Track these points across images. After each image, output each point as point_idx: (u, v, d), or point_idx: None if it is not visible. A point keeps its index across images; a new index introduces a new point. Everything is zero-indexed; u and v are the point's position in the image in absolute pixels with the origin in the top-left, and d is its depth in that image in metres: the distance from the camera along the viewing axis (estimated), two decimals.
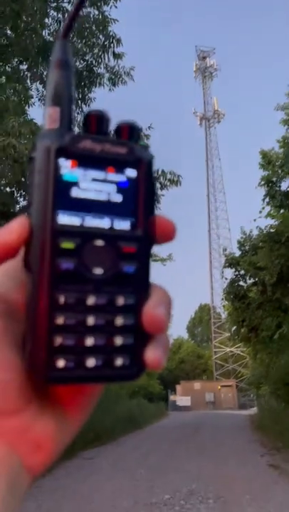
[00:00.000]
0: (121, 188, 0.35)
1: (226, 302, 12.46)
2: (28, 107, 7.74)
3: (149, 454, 7.82)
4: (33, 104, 7.97)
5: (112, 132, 0.36)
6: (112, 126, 0.36)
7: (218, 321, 40.42)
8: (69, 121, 0.35)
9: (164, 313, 0.33)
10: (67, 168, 0.33)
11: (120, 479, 5.67)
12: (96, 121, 0.35)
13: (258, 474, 5.96)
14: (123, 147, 0.35)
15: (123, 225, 0.34)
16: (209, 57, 49.61)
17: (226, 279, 11.76)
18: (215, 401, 33.27)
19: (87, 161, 0.34)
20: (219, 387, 33.92)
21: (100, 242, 0.33)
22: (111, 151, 0.34)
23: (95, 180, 0.34)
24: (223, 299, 13.16)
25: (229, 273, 11.50)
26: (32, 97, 7.76)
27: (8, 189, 7.42)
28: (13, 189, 7.36)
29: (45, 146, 0.33)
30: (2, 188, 7.25)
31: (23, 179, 6.89)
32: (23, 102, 7.40)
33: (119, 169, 0.35)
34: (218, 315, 40.78)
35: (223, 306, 16.13)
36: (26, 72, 7.74)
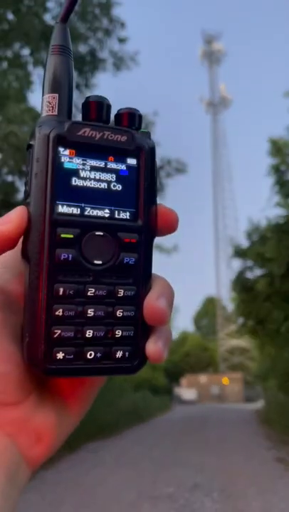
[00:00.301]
0: (121, 177, 0.34)
1: (234, 294, 12.35)
2: (30, 93, 7.62)
3: (153, 447, 7.77)
4: (35, 90, 7.85)
5: (113, 119, 0.35)
6: (112, 113, 0.35)
7: (224, 313, 40.34)
8: (68, 108, 0.34)
9: (165, 306, 0.33)
10: (66, 156, 0.32)
11: (124, 472, 5.64)
12: (96, 108, 0.34)
13: (263, 468, 5.91)
14: (123, 135, 0.34)
15: (123, 215, 0.34)
16: (216, 41, 48.88)
17: (233, 270, 11.69)
18: (221, 394, 33.28)
19: (86, 149, 0.33)
20: (226, 380, 33.90)
21: (99, 233, 0.33)
22: (111, 139, 0.34)
23: (94, 168, 0.33)
24: (231, 291, 13.05)
25: (236, 264, 11.39)
26: (34, 83, 7.62)
27: (10, 178, 7.34)
28: (15, 178, 7.27)
29: (44, 133, 0.32)
30: (3, 176, 7.16)
31: (24, 168, 6.79)
32: (26, 88, 7.27)
33: (120, 158, 0.34)
34: (224, 307, 40.71)
35: (231, 298, 16.04)
36: (28, 58, 7.61)
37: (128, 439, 8.81)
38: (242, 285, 10.88)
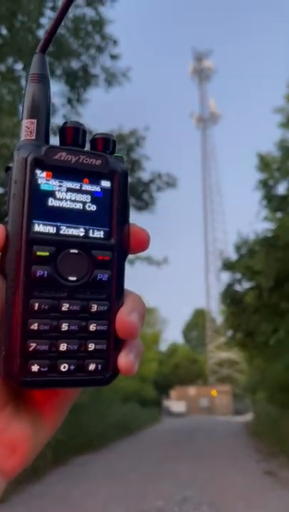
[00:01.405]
0: (95, 198, 0.36)
1: (223, 306, 12.40)
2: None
3: (142, 460, 7.73)
4: None
5: (88, 144, 0.37)
6: (88, 138, 0.37)
7: (213, 325, 40.35)
8: (46, 133, 0.36)
9: (136, 320, 0.34)
10: (43, 178, 0.34)
11: (112, 486, 5.60)
12: (72, 133, 0.36)
13: (253, 481, 5.90)
14: (98, 159, 0.36)
15: (98, 234, 0.35)
16: (206, 58, 49.64)
17: (222, 283, 11.73)
18: (210, 407, 33.13)
19: (62, 172, 0.35)
20: (214, 392, 33.78)
21: (74, 251, 0.34)
22: (86, 162, 0.35)
23: (70, 190, 0.35)
24: (220, 303, 13.10)
25: (225, 277, 11.45)
26: None
27: (1, 190, 7.35)
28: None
29: (22, 156, 0.33)
30: None
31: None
32: (18, 101, 7.33)
33: (94, 180, 0.36)
34: (213, 319, 40.72)
35: (220, 311, 16.08)
36: (21, 72, 7.67)
37: (116, 452, 8.74)
38: (231, 298, 10.94)
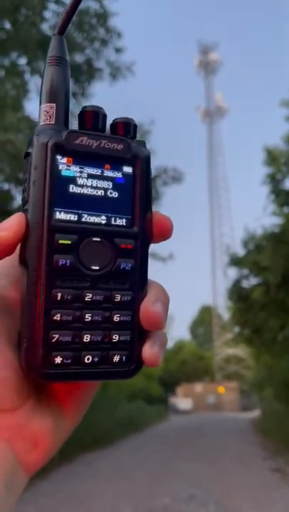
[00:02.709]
0: (117, 184, 0.35)
1: (230, 302, 12.34)
2: (27, 102, 7.63)
3: (149, 458, 7.70)
4: (32, 98, 7.86)
5: (108, 128, 0.36)
6: (108, 122, 0.36)
7: (220, 322, 40.27)
8: (65, 117, 0.35)
9: (161, 310, 0.33)
10: (63, 164, 0.33)
11: (119, 484, 5.58)
12: (92, 117, 0.35)
13: (260, 479, 5.86)
14: (120, 143, 0.35)
15: (120, 221, 0.34)
16: (212, 51, 49.27)
17: (229, 279, 11.66)
18: (217, 403, 33.11)
19: (83, 157, 0.34)
20: (222, 389, 33.74)
21: (96, 239, 0.33)
22: (107, 147, 0.34)
23: (91, 176, 0.34)
24: (227, 300, 13.05)
25: (232, 273, 11.39)
26: (30, 92, 7.64)
27: (6, 186, 7.32)
28: (11, 186, 7.25)
29: (42, 142, 0.32)
30: (0, 184, 7.14)
31: (20, 176, 6.79)
32: (22, 96, 7.28)
33: (116, 166, 0.35)
34: (220, 316, 40.64)
35: (227, 307, 16.02)
36: (25, 67, 7.62)
37: (123, 450, 8.73)
38: (238, 294, 10.87)
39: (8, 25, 7.31)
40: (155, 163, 8.75)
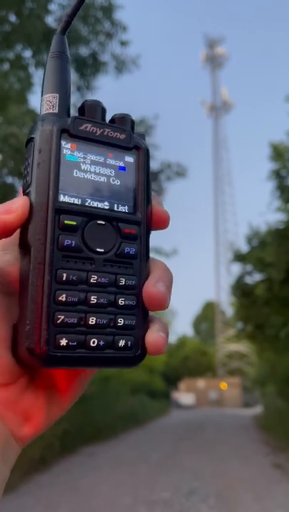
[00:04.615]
0: (119, 172, 0.35)
1: (233, 298, 12.32)
2: (31, 95, 7.61)
3: (150, 451, 7.73)
4: (36, 92, 7.83)
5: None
6: (107, 117, 0.37)
7: (223, 317, 40.25)
8: (67, 107, 0.35)
9: (163, 290, 0.33)
10: (68, 149, 0.33)
11: (120, 476, 5.60)
12: (92, 111, 0.35)
13: (261, 474, 5.88)
14: (122, 133, 0.36)
15: (122, 208, 0.35)
16: (218, 45, 48.78)
17: (233, 275, 11.63)
18: (219, 399, 33.15)
19: (87, 143, 0.34)
20: (224, 385, 33.77)
21: (101, 222, 0.34)
22: (111, 135, 0.35)
23: (94, 163, 0.34)
24: (230, 295, 13.02)
25: (236, 269, 11.35)
26: (35, 85, 7.61)
27: (10, 179, 7.30)
28: (15, 179, 7.24)
29: (48, 126, 0.33)
30: (3, 177, 7.13)
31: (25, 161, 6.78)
32: (27, 89, 7.26)
33: (118, 154, 0.36)
34: (223, 312, 40.61)
35: (230, 303, 16.00)
36: (30, 60, 7.59)
37: (124, 443, 8.76)
38: (241, 290, 10.84)
39: (13, 18, 7.30)
40: (159, 158, 8.71)
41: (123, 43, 7.75)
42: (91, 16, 7.47)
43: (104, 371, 9.55)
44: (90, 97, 7.93)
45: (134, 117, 0.38)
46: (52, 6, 7.42)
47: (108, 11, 7.51)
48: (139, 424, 12.33)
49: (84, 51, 7.73)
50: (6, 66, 7.42)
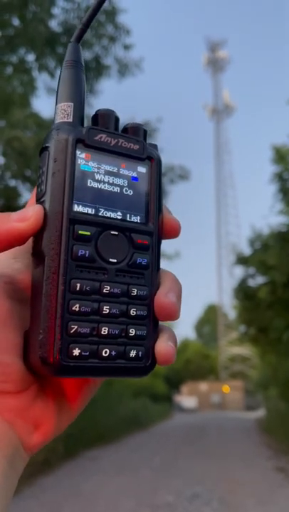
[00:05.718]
0: (132, 183, 0.36)
1: (236, 301, 12.29)
2: (34, 98, 7.62)
3: (153, 455, 7.71)
4: (39, 96, 7.85)
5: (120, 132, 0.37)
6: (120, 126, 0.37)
7: (225, 321, 40.17)
8: (81, 116, 0.36)
9: (174, 301, 0.34)
10: (82, 159, 0.34)
11: (123, 480, 5.59)
12: (105, 120, 0.36)
13: (263, 477, 5.85)
14: (136, 144, 0.36)
15: (135, 218, 0.35)
16: (220, 48, 48.87)
17: (235, 277, 11.61)
18: (221, 402, 33.06)
19: (101, 154, 0.35)
20: (227, 388, 33.68)
21: (114, 232, 0.34)
22: (124, 146, 0.35)
23: (108, 173, 0.35)
24: (233, 298, 12.99)
25: (238, 271, 11.33)
26: (38, 89, 7.63)
27: (13, 183, 7.32)
28: (18, 182, 7.25)
29: (63, 136, 0.33)
30: (7, 181, 7.15)
31: (26, 173, 6.78)
32: (30, 93, 7.28)
33: (132, 164, 0.36)
34: (225, 315, 40.52)
35: (233, 306, 15.96)
36: (33, 63, 7.62)
37: (127, 447, 8.74)
38: (244, 293, 10.82)
39: (16, 22, 7.32)
40: (162, 161, 8.72)
41: (126, 47, 7.77)
42: (94, 20, 7.48)
43: None
44: (93, 100, 7.95)
45: (138, 121, 0.38)
46: (55, 10, 7.46)
47: (111, 14, 7.53)
48: (142, 427, 12.31)
49: (87, 55, 7.76)
50: (10, 70, 7.44)
